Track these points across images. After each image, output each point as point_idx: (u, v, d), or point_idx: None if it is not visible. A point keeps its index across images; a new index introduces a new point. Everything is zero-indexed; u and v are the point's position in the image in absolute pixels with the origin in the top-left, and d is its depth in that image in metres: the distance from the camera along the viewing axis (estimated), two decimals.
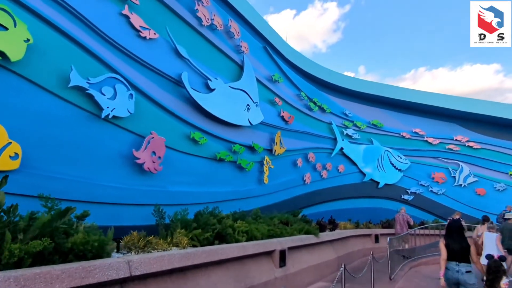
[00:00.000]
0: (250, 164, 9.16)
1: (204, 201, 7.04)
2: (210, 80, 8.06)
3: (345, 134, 14.92)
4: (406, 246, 10.49)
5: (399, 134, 16.29)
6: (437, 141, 16.29)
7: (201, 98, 7.67)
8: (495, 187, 15.46)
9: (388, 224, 13.27)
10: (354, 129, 15.33)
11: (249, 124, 9.31)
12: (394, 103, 16.22)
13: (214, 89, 8.12)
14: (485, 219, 8.79)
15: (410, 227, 11.01)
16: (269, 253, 5.95)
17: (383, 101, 16.06)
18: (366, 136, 15.72)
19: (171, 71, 7.11)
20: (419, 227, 11.84)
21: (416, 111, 16.53)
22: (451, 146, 16.21)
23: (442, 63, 69.60)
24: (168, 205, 6.01)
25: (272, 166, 10.24)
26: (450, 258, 4.44)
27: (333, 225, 10.26)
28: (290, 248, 6.50)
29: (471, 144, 16.02)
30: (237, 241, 5.44)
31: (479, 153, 15.95)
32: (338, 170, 14.25)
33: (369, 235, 11.73)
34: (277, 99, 11.14)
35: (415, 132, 16.41)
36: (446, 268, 4.44)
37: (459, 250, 4.38)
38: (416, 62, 70.20)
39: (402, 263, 9.26)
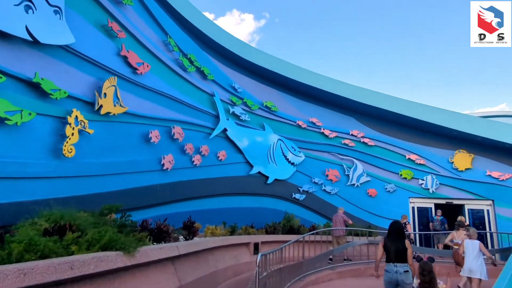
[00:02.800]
0: (23, 114, 4.72)
1: None
2: None
3: (231, 112, 11.60)
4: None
5: (295, 122, 13.89)
6: (334, 134, 14.48)
7: None
8: (386, 188, 14.37)
9: (274, 229, 10.34)
10: (243, 109, 12.16)
11: (30, 39, 4.89)
12: (291, 86, 13.77)
13: None
14: (460, 225, 7.97)
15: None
16: None
17: (280, 81, 13.43)
18: (257, 120, 12.74)
19: None
20: (309, 232, 9.13)
21: (314, 99, 14.44)
22: (346, 141, 14.59)
23: None
24: None
25: (90, 131, 5.95)
26: (387, 259, 4.49)
27: (190, 231, 6.55)
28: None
29: (365, 140, 14.68)
30: None
31: (372, 150, 14.73)
32: (218, 157, 10.77)
33: (246, 244, 8.44)
34: (115, 27, 6.93)
35: (312, 122, 14.27)
36: (385, 270, 4.46)
37: (395, 251, 4.42)
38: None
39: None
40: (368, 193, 14.31)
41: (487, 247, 13.24)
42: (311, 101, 14.48)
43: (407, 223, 11.91)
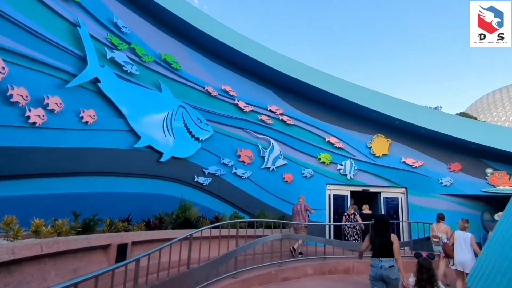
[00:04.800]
0: None
1: None
2: None
3: (109, 58, 8.20)
4: (300, 242, 8.82)
5: (203, 87, 11.10)
6: (250, 108, 12.18)
7: None
8: (303, 173, 12.76)
9: (161, 222, 7.45)
10: (131, 58, 8.84)
11: None
12: (202, 42, 10.93)
13: None
14: (441, 217, 8.00)
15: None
16: None
17: (186, 32, 10.44)
18: (151, 76, 9.55)
19: None
20: (211, 225, 6.51)
21: (229, 63, 11.89)
22: (264, 118, 12.46)
23: None
24: None
25: None
26: (373, 254, 4.36)
27: None
28: None
29: (284, 118, 12.80)
30: None
31: (291, 130, 12.94)
32: (82, 118, 7.33)
33: (104, 248, 5.37)
34: None
35: (224, 91, 11.69)
36: (371, 265, 4.32)
37: (380, 245, 4.28)
38: None
39: None
40: (284, 178, 12.48)
41: (400, 237, 12.76)
42: (226, 65, 11.88)
43: (356, 213, 10.66)
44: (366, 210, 11.00)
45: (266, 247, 8.13)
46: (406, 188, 12.93)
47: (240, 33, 11.40)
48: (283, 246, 7.90)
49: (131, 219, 7.03)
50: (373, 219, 4.71)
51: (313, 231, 9.84)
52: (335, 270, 8.03)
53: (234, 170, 11.46)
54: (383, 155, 13.08)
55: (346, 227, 10.45)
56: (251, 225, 8.62)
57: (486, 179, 12.20)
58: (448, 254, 6.39)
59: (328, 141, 13.09)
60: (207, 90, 11.10)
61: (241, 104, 11.98)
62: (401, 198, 12.96)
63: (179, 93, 10.29)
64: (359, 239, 10.11)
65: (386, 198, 12.95)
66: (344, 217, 10.75)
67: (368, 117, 13.10)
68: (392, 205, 12.87)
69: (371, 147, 13.15)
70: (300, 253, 8.89)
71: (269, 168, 12.29)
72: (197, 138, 10.51)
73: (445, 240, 7.10)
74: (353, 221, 10.34)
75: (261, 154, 12.19)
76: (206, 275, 5.28)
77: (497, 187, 11.93)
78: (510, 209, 4.90)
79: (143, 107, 8.98)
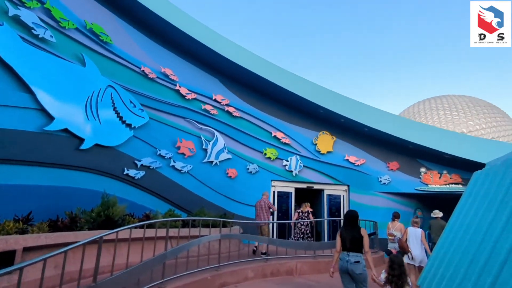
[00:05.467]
0: None
1: None
2: None
3: (11, 16, 6.55)
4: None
5: (139, 68, 9.76)
6: (193, 95, 11.12)
7: None
8: (248, 169, 12.08)
9: (73, 221, 6.08)
10: (44, 20, 7.23)
11: None
12: (139, 15, 9.60)
13: None
14: (396, 216, 8.24)
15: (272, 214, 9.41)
16: None
17: (119, 1, 9.03)
18: (72, 47, 7.99)
19: None
20: (132, 225, 5.39)
21: (171, 44, 10.70)
22: (208, 107, 11.49)
23: None
24: None
25: None
26: (343, 248, 4.46)
27: None
28: None
29: (230, 109, 11.98)
30: None
31: (237, 123, 12.17)
32: None
33: None
34: None
35: (164, 74, 10.47)
36: (340, 259, 4.46)
37: (350, 240, 4.40)
38: None
39: None
40: (227, 173, 11.65)
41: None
42: (167, 46, 10.66)
43: (309, 211, 10.37)
44: (307, 208, 10.70)
45: (203, 249, 7.23)
46: (348, 186, 13.01)
47: (186, 12, 10.29)
48: (222, 247, 7.08)
49: (32, 217, 5.60)
50: (344, 215, 4.84)
51: (254, 229, 9.17)
52: (277, 272, 7.45)
53: (172, 163, 10.31)
54: (327, 152, 12.99)
55: (299, 224, 10.10)
56: (187, 224, 7.66)
57: (420, 178, 12.79)
58: (404, 249, 6.55)
59: (275, 136, 12.61)
60: (143, 71, 9.79)
61: (183, 91, 10.86)
62: (343, 196, 13.01)
63: (108, 71, 8.83)
64: (310, 239, 9.85)
65: (329, 195, 12.89)
66: (297, 213, 10.38)
67: (315, 114, 12.90)
68: (335, 202, 12.84)
69: (316, 144, 12.98)
70: (264, 253, 8.20)
71: (212, 162, 11.36)
72: (128, 125, 9.16)
73: (400, 237, 7.30)
74: (306, 218, 10.02)
75: (203, 147, 11.21)
76: (125, 285, 4.23)
77: (429, 186, 12.56)
78: (459, 211, 4.56)
79: (59, 83, 7.42)
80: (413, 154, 12.99)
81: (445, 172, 12.56)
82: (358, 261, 4.28)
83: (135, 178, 9.28)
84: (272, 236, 11.60)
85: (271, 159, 12.41)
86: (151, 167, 9.73)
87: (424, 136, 12.09)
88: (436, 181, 12.54)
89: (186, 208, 10.23)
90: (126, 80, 9.32)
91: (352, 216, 4.62)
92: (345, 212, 12.74)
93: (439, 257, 4.10)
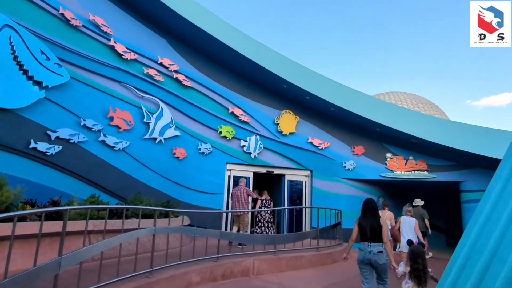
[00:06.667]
0: None
1: None
2: None
3: None
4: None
5: (57, 9, 7.42)
6: (132, 55, 8.98)
7: None
8: (200, 149, 10.29)
9: None
10: None
11: None
12: None
13: None
14: (385, 204, 8.14)
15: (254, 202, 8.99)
16: None
17: None
18: None
19: None
20: (41, 208, 3.46)
21: None
22: (152, 72, 9.43)
23: None
24: None
25: None
26: (362, 238, 4.34)
27: None
28: None
29: (180, 77, 10.03)
30: None
31: (187, 94, 10.27)
32: None
33: None
34: None
35: (94, 23, 8.21)
36: (360, 249, 4.32)
37: (370, 230, 4.27)
38: None
39: None
40: (174, 153, 9.77)
41: (302, 225, 11.62)
42: None
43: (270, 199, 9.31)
44: (267, 196, 9.32)
45: (130, 248, 5.44)
46: (311, 171, 11.83)
47: None
48: (160, 243, 5.36)
49: None
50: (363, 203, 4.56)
51: (204, 221, 7.45)
52: (230, 274, 5.91)
53: (102, 138, 8.19)
54: (290, 133, 11.66)
55: (263, 212, 8.72)
56: (116, 215, 5.80)
57: (386, 164, 12.03)
58: (396, 238, 6.61)
59: (232, 113, 10.93)
60: (62, 14, 7.46)
61: (120, 48, 8.68)
62: (306, 182, 11.83)
63: (7, 5, 6.43)
64: (273, 230, 8.63)
65: (291, 181, 11.61)
66: (260, 201, 8.98)
67: (278, 89, 11.43)
68: (296, 189, 11.61)
69: (278, 124, 11.57)
70: (240, 244, 7.29)
71: (156, 139, 9.39)
72: (38, 83, 6.86)
73: (390, 227, 7.11)
74: (269, 207, 8.71)
75: (145, 120, 9.18)
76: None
77: (395, 172, 11.85)
78: (500, 190, 3.21)
79: None
80: (379, 138, 12.17)
81: (411, 158, 11.91)
82: (381, 251, 4.17)
83: (47, 153, 7.06)
84: (225, 228, 10.06)
85: (227, 138, 10.75)
86: (71, 141, 7.55)
87: (391, 116, 11.20)
88: (402, 167, 11.86)
89: (119, 194, 8.26)
90: (36, 23, 6.97)
91: (372, 205, 4.47)
92: (307, 199, 11.60)
93: (476, 249, 2.94)
